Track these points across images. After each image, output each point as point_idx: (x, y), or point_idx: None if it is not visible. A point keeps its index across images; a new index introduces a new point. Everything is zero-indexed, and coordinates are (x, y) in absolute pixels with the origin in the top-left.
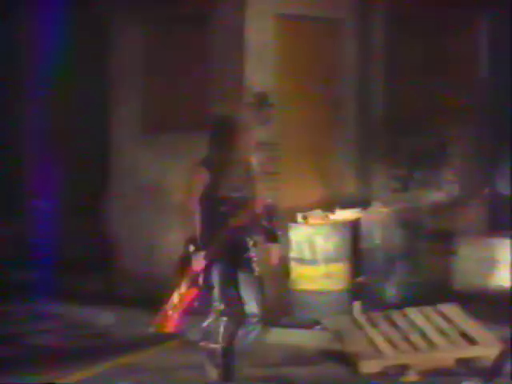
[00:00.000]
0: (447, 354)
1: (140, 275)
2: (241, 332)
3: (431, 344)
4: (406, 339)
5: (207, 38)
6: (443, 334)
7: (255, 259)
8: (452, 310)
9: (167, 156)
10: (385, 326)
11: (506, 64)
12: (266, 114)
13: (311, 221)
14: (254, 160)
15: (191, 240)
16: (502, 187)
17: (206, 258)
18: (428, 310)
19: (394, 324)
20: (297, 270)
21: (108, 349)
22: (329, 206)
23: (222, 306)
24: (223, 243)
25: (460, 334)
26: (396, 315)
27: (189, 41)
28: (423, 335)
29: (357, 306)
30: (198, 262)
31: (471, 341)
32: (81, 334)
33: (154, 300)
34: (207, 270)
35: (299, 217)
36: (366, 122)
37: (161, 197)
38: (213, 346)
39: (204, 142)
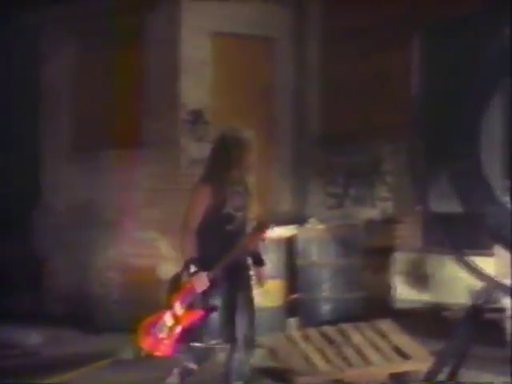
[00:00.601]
0: (381, 369)
1: (72, 294)
2: (237, 354)
3: (366, 359)
4: (341, 355)
5: (142, 54)
6: (377, 350)
7: (253, 278)
8: (386, 325)
9: (100, 173)
10: (320, 342)
11: (438, 82)
12: (201, 131)
13: None
14: (252, 180)
15: (192, 260)
16: (435, 204)
17: (211, 278)
18: (363, 325)
19: (329, 340)
20: None
21: (37, 369)
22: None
23: (222, 329)
24: (232, 263)
25: (394, 349)
26: (331, 331)
27: (123, 56)
28: (358, 351)
29: (292, 322)
30: (202, 283)
31: (404, 356)
32: (9, 353)
33: (85, 319)
34: (209, 290)
35: None
36: (301, 139)
37: (93, 214)
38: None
39: (138, 159)
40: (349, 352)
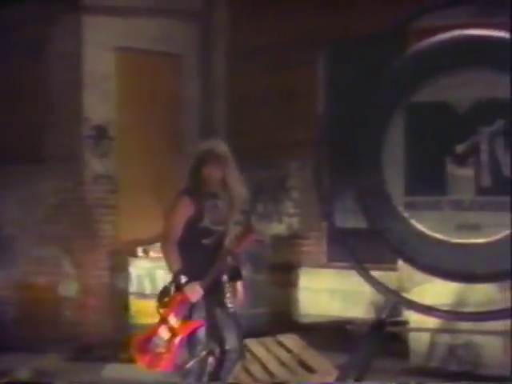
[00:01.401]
0: None
1: None
2: (224, 368)
3: (271, 374)
4: (247, 370)
5: (45, 68)
6: (282, 364)
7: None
8: (291, 340)
9: (1, 187)
10: None
11: (343, 100)
12: (105, 146)
13: (152, 254)
14: (237, 194)
15: (182, 271)
16: (340, 220)
17: (203, 287)
18: (268, 340)
19: None
20: (136, 305)
21: None
22: None
23: (210, 342)
24: (218, 274)
25: (299, 363)
26: None
27: (26, 69)
28: (263, 366)
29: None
30: (195, 293)
31: (309, 369)
32: None
33: None
34: (200, 300)
35: (139, 251)
36: None
37: None
38: None
39: (40, 174)
40: (254, 367)
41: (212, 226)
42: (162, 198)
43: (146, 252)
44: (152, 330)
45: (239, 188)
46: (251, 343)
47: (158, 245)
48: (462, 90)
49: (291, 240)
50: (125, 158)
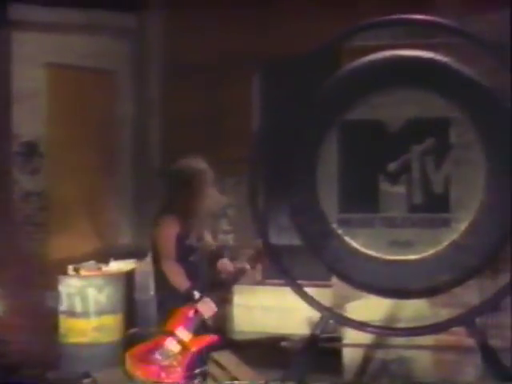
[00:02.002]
0: None
1: None
2: None
3: None
4: None
5: None
6: (216, 381)
7: None
8: (225, 357)
9: None
10: None
11: (278, 118)
12: (36, 163)
13: (83, 272)
14: (215, 211)
15: (193, 287)
16: (275, 237)
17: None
18: None
19: None
20: (66, 324)
21: None
22: (103, 257)
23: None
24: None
25: (232, 380)
26: None
27: None
28: None
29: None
30: (209, 309)
31: None
32: None
33: None
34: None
35: (70, 269)
36: (142, 173)
37: None
38: None
39: None
40: None
41: (196, 244)
42: (93, 215)
43: (76, 270)
44: (155, 342)
45: (219, 200)
46: None
47: (91, 263)
48: (394, 109)
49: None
50: (56, 175)
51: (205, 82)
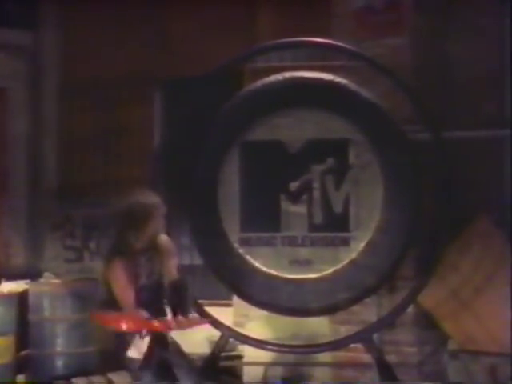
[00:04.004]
0: None
1: None
2: None
3: None
4: None
5: None
6: None
7: None
8: (122, 377)
9: None
10: None
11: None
12: None
13: None
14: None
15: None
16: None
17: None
18: (96, 379)
19: None
20: None
21: None
22: None
23: None
24: None
25: None
26: None
27: None
28: None
29: (22, 379)
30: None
31: None
32: None
33: None
34: None
35: None
36: (37, 191)
37: None
38: None
39: None
40: None
41: (148, 281)
42: None
43: None
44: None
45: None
46: (80, 382)
47: None
48: (295, 129)
49: None
50: None
51: (103, 101)
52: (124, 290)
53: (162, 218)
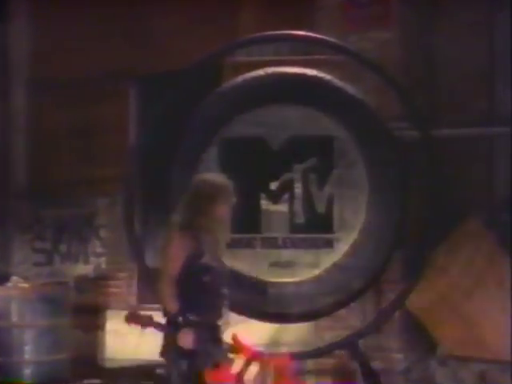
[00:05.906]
0: None
1: None
2: None
3: None
4: None
5: None
6: None
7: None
8: None
9: None
10: None
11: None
12: None
13: None
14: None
15: (178, 313)
16: (151, 260)
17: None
18: None
19: None
20: None
21: None
22: None
23: None
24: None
25: None
26: None
27: None
28: None
29: None
30: (187, 341)
31: None
32: None
33: None
34: None
35: None
36: (4, 192)
37: None
38: None
39: None
40: None
41: (212, 263)
42: None
43: None
44: None
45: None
46: None
47: None
48: (276, 126)
49: (98, 281)
50: None
51: (76, 97)
52: (174, 261)
53: (230, 206)
